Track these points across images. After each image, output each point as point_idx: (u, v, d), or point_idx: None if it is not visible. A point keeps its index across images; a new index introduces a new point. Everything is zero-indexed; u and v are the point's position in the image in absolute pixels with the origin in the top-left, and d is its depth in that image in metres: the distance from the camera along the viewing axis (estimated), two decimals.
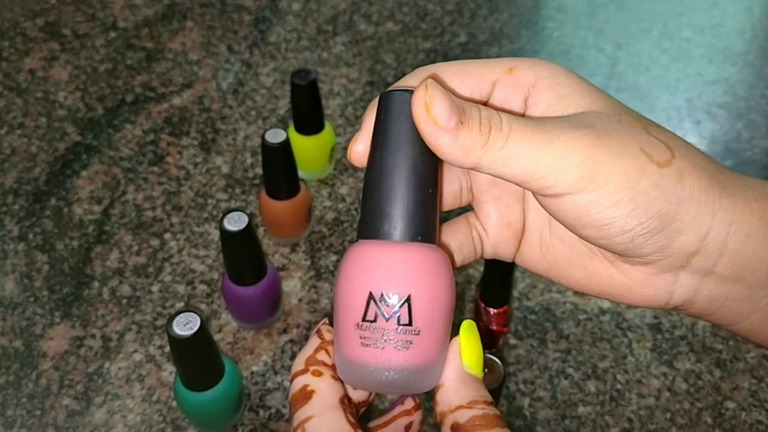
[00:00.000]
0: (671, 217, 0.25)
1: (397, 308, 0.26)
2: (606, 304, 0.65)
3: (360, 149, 0.28)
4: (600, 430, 0.57)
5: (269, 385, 0.59)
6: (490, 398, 0.28)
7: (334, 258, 0.69)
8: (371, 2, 1.00)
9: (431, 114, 0.25)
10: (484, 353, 0.29)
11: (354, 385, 0.28)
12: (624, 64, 0.92)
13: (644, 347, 0.62)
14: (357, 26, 0.96)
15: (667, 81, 0.90)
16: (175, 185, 0.75)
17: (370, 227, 0.27)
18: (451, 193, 0.31)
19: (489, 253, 0.32)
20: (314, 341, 0.29)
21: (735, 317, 0.28)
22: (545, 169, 0.25)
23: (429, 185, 0.27)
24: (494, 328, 0.58)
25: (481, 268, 0.62)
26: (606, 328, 0.64)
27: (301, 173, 0.68)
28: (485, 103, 0.29)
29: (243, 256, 0.56)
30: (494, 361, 0.49)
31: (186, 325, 0.46)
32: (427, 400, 0.54)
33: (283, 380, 0.60)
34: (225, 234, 0.53)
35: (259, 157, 0.77)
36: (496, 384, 0.48)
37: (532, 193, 0.27)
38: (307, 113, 0.69)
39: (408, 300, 0.26)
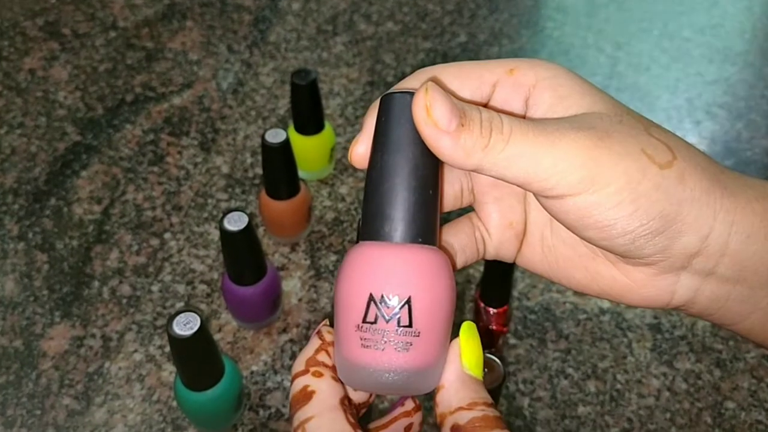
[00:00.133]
0: (672, 219, 0.25)
1: (397, 310, 0.26)
2: (606, 304, 0.65)
3: (361, 151, 0.28)
4: (600, 430, 0.57)
5: (269, 384, 0.59)
6: (490, 400, 0.28)
7: (333, 258, 0.69)
8: (371, 2, 1.00)
9: (432, 117, 0.25)
10: (483, 353, 0.29)
11: (354, 387, 0.28)
12: (624, 64, 0.92)
13: (644, 347, 0.62)
14: (357, 26, 0.96)
15: (667, 81, 0.90)
16: (175, 185, 0.75)
17: (370, 229, 0.27)
18: (451, 194, 0.31)
19: (491, 254, 0.32)
20: (315, 342, 0.29)
21: (736, 317, 0.28)
22: (546, 170, 0.25)
23: (430, 187, 0.27)
24: (494, 327, 0.58)
25: (481, 268, 0.62)
26: (606, 328, 0.64)
27: (301, 173, 0.68)
28: (486, 105, 0.29)
29: (243, 256, 0.56)
30: (494, 360, 0.49)
31: (186, 325, 0.46)
32: (427, 400, 0.54)
33: (282, 380, 0.60)
34: (225, 234, 0.53)
35: (259, 157, 0.77)
36: (495, 384, 0.48)
37: (534, 194, 0.27)
38: (307, 113, 0.69)
39: (408, 301, 0.26)
